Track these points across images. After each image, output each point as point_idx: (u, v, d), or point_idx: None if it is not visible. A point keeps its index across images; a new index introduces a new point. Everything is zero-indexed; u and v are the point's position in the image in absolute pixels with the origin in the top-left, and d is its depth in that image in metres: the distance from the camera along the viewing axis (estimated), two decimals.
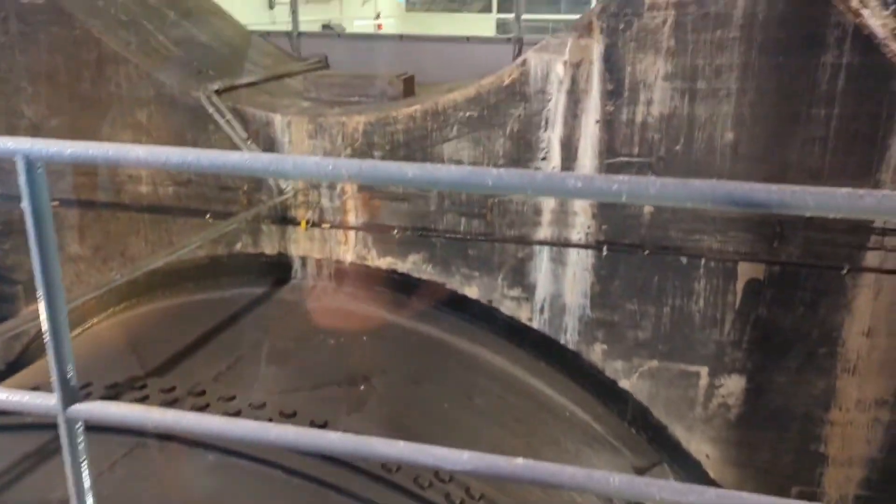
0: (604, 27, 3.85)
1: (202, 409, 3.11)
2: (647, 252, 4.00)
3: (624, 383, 4.20)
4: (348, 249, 4.39)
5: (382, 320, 4.20)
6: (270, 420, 3.00)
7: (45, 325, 1.37)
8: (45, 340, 1.37)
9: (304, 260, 4.45)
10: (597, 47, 3.86)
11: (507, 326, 4.30)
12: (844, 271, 3.73)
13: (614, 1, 3.80)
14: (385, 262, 4.35)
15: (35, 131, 4.52)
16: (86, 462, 1.48)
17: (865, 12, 2.96)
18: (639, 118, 3.88)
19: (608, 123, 3.92)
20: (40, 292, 1.36)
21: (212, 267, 4.49)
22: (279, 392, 3.32)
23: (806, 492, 3.99)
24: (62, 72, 4.45)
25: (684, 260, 3.96)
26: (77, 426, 1.42)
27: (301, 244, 4.42)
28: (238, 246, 4.47)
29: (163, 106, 4.37)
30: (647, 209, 3.97)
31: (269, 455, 2.65)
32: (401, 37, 6.95)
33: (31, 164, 1.32)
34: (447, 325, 4.30)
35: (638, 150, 3.91)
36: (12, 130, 4.52)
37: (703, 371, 4.03)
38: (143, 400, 3.08)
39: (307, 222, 4.36)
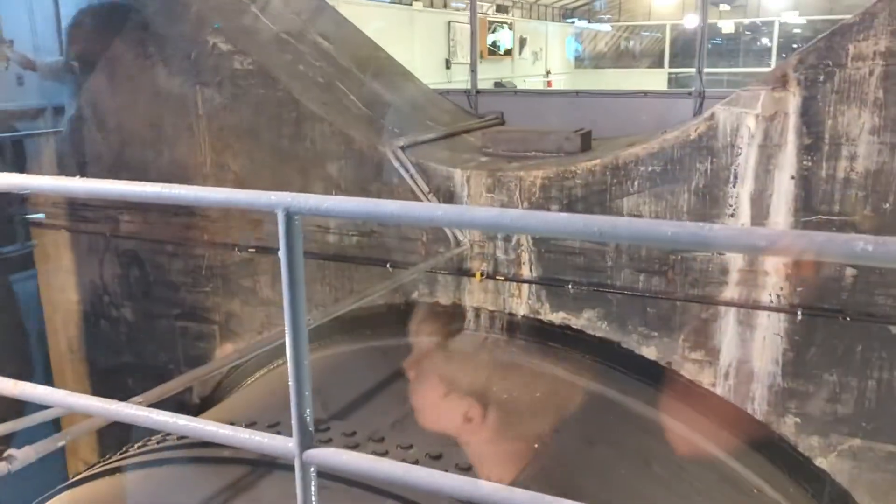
0: (801, 79, 3.66)
1: (382, 455, 3.17)
2: (848, 318, 3.68)
3: (820, 462, 3.83)
4: (521, 302, 4.38)
5: (555, 377, 4.13)
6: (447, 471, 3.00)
7: (290, 373, 1.44)
8: (289, 387, 1.44)
9: (477, 311, 4.48)
10: (793, 100, 3.67)
11: (685, 390, 4.08)
12: None
13: (813, 52, 3.61)
14: (558, 317, 4.29)
15: (239, 184, 4.94)
16: None
17: None
18: (840, 174, 3.62)
19: (804, 179, 3.69)
20: (288, 339, 1.44)
21: (389, 315, 4.63)
22: (453, 444, 3.32)
23: None
24: (264, 129, 4.86)
25: (894, 329, 3.60)
26: (311, 470, 1.48)
27: (475, 295, 4.46)
28: (415, 295, 4.60)
29: (352, 160, 4.64)
30: (850, 271, 3.66)
31: None
32: (577, 92, 6.98)
33: (290, 217, 1.42)
34: (621, 386, 4.14)
35: (839, 207, 3.64)
36: (220, 183, 4.95)
37: None
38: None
39: (482, 274, 4.40)
